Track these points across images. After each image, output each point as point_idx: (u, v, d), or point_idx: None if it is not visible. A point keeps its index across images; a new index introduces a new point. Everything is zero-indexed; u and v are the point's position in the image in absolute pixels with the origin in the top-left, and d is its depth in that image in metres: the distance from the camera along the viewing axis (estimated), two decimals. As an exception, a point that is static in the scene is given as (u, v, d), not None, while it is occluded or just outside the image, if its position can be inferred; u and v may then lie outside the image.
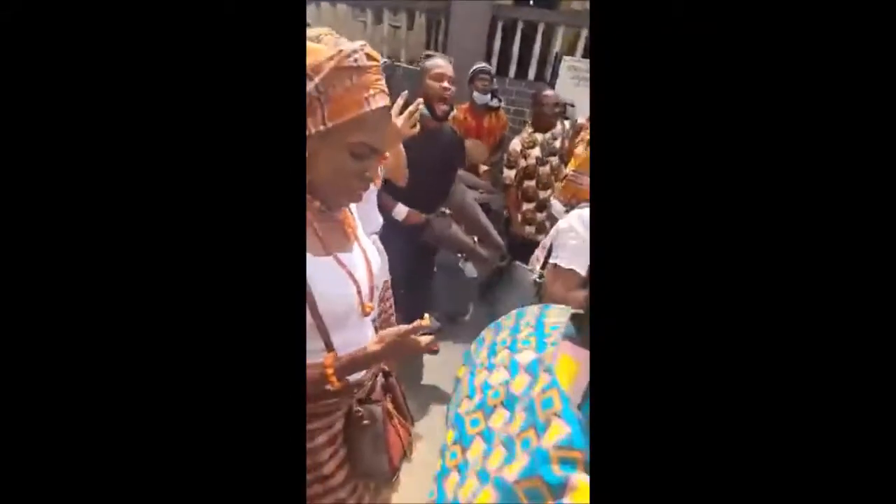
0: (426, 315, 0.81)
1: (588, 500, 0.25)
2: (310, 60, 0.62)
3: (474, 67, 2.86)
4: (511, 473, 0.28)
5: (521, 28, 4.04)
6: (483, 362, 0.38)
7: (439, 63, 1.67)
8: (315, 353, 0.76)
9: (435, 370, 2.18)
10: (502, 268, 1.58)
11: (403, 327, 0.77)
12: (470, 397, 0.37)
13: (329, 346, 0.77)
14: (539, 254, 1.39)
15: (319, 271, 0.72)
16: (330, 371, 0.74)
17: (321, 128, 0.65)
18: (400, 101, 1.17)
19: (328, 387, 0.75)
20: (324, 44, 0.67)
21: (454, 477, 0.33)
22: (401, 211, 1.81)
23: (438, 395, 2.08)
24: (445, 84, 1.65)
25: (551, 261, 1.19)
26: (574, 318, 0.35)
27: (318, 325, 0.74)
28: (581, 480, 0.26)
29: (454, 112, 2.71)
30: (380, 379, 0.94)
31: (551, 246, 1.25)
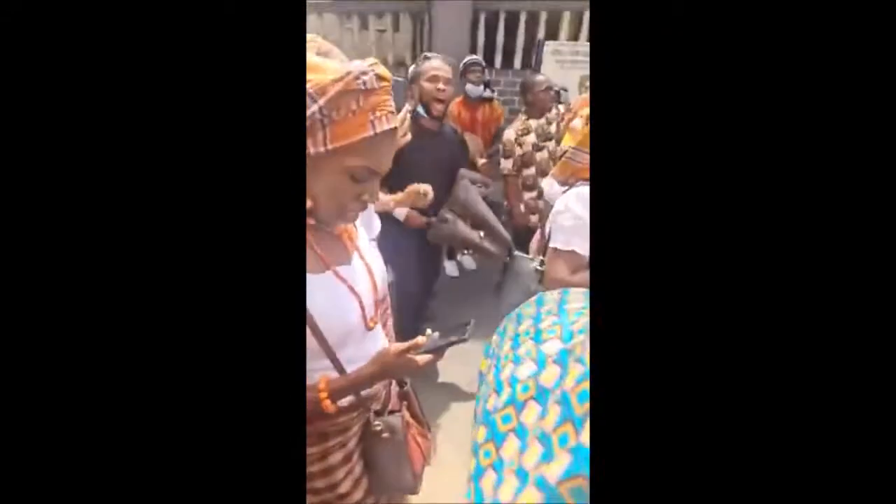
0: (427, 331, 0.74)
1: None
2: (314, 80, 0.56)
3: (465, 60, 2.78)
4: (553, 474, 0.26)
5: (503, 18, 3.94)
6: (507, 354, 0.36)
7: (434, 65, 1.61)
8: (321, 373, 0.71)
9: (451, 368, 2.11)
10: (506, 262, 1.52)
11: (399, 346, 0.69)
12: (498, 392, 0.35)
13: (336, 364, 0.71)
14: (537, 242, 1.32)
15: (318, 288, 0.67)
16: (324, 395, 0.68)
17: (321, 149, 0.59)
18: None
19: (324, 411, 0.69)
20: (331, 57, 0.60)
21: (490, 475, 0.31)
22: (401, 211, 1.72)
23: (457, 394, 2.02)
24: (440, 86, 1.60)
25: (550, 245, 1.12)
26: None
27: (321, 344, 0.68)
28: None
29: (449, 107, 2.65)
30: (394, 388, 0.88)
31: (550, 231, 1.17)
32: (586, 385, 0.27)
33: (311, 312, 0.66)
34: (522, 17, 3.92)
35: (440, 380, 2.14)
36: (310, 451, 0.74)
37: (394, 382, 0.88)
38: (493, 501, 0.29)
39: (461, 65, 2.77)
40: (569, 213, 1.08)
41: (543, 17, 3.90)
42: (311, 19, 4.27)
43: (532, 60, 3.84)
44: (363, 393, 0.75)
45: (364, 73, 0.58)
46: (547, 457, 0.27)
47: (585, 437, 0.26)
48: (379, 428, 0.79)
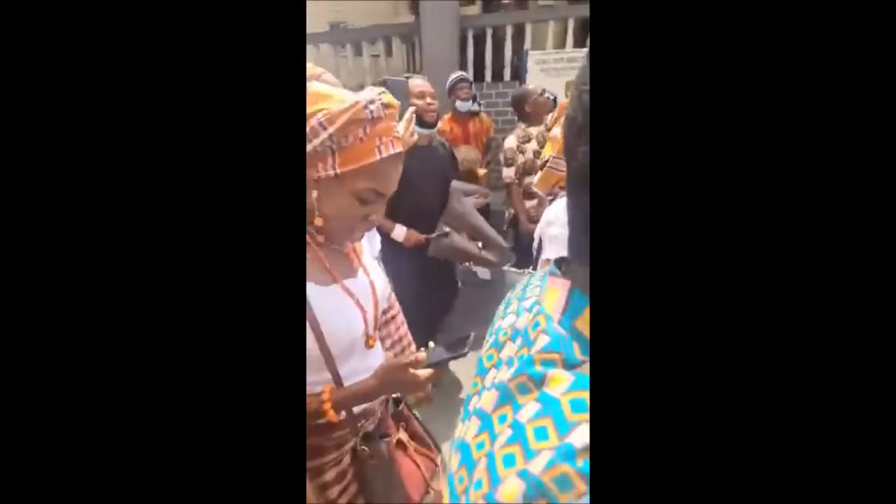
0: (430, 344, 0.71)
1: (563, 388, 0.26)
2: (325, 108, 0.57)
3: (452, 78, 2.67)
4: (505, 377, 0.32)
5: (490, 34, 3.83)
6: (500, 313, 0.41)
7: (418, 82, 1.61)
8: (320, 385, 0.68)
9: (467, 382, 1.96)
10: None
11: (400, 360, 0.66)
12: (488, 340, 0.40)
13: (336, 377, 0.68)
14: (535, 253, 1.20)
15: (326, 300, 0.65)
16: (327, 405, 0.65)
17: (331, 172, 0.59)
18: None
19: (324, 420, 0.66)
20: (322, 79, 0.62)
21: (475, 398, 0.36)
22: (400, 232, 1.64)
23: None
24: (429, 100, 1.60)
25: (542, 257, 1.01)
26: (557, 260, 0.36)
27: (324, 355, 0.65)
28: (557, 373, 0.27)
29: (439, 124, 2.56)
30: (390, 407, 0.81)
31: (541, 242, 1.07)
32: (539, 318, 0.32)
33: (318, 322, 0.64)
34: (509, 31, 3.81)
35: (461, 395, 1.98)
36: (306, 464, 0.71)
37: (390, 403, 0.83)
38: (474, 410, 0.34)
39: (448, 83, 2.67)
40: (559, 224, 0.99)
41: (529, 28, 3.79)
42: (309, 50, 4.22)
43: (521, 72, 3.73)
44: (356, 410, 0.71)
45: (371, 101, 0.57)
46: (508, 371, 0.32)
47: (532, 350, 0.30)
48: (366, 453, 0.74)
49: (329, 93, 0.59)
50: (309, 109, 0.57)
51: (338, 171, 0.58)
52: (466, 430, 0.33)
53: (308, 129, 0.57)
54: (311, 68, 0.83)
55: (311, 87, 0.61)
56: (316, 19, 5.20)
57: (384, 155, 0.59)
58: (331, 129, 0.56)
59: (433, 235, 1.66)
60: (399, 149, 0.62)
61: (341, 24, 4.93)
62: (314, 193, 0.61)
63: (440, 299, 2.00)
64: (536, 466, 0.24)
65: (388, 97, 0.60)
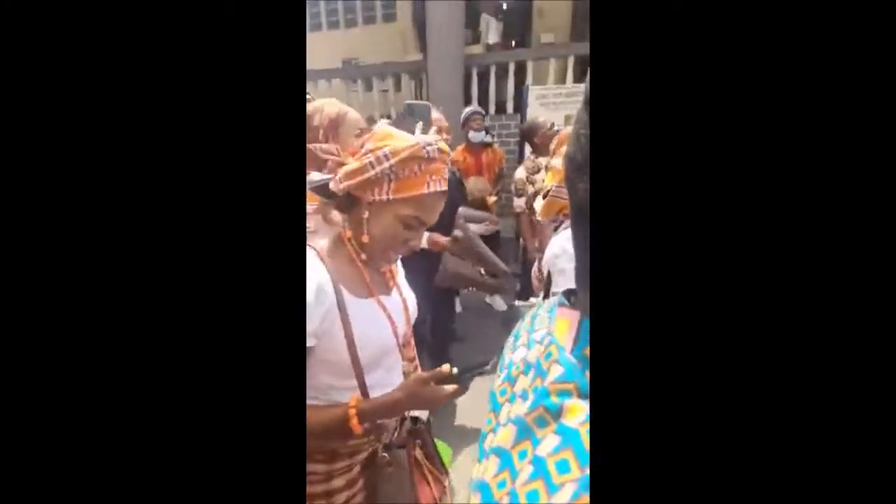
0: (452, 369, 0.72)
1: (581, 419, 0.26)
2: (389, 144, 0.65)
3: (466, 111, 2.76)
4: (521, 411, 0.31)
5: (493, 71, 3.97)
6: (510, 346, 0.41)
7: (434, 116, 1.64)
8: (346, 391, 0.69)
9: (468, 408, 1.87)
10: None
11: (424, 374, 0.67)
12: (499, 374, 0.40)
13: (362, 385, 0.70)
14: (536, 282, 1.20)
15: (363, 311, 0.70)
16: (352, 412, 0.66)
17: (384, 197, 0.66)
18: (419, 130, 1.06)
19: (351, 431, 0.66)
20: (349, 115, 0.71)
21: (490, 436, 0.35)
22: (423, 239, 1.63)
23: (472, 436, 1.74)
24: (444, 135, 1.63)
25: (553, 290, 1.01)
26: (566, 292, 0.37)
27: (353, 362, 0.69)
28: (573, 404, 0.27)
29: (452, 155, 2.61)
30: (407, 424, 0.81)
31: (549, 275, 1.06)
32: (551, 348, 0.32)
33: (353, 332, 0.68)
34: (511, 68, 3.95)
35: (456, 422, 1.89)
36: (316, 467, 0.71)
37: (408, 418, 0.82)
38: (489, 448, 0.33)
39: (462, 115, 2.75)
40: (566, 256, 0.98)
41: (531, 66, 3.94)
42: (321, 84, 4.34)
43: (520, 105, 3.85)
44: (378, 420, 0.72)
45: (430, 144, 0.66)
46: (524, 404, 0.32)
47: (547, 381, 0.30)
48: (385, 460, 0.74)
49: (394, 133, 0.68)
50: (377, 144, 0.66)
51: (390, 196, 0.66)
52: (485, 469, 0.33)
53: (374, 158, 0.64)
54: (340, 106, 0.92)
55: (381, 126, 0.69)
56: (329, 56, 5.37)
57: (431, 189, 0.67)
58: (393, 160, 0.64)
59: (454, 237, 1.61)
60: (444, 188, 0.69)
61: (353, 61, 5.08)
62: (365, 213, 0.69)
63: (436, 322, 1.95)
64: (561, 500, 0.24)
65: (443, 144, 0.68)
